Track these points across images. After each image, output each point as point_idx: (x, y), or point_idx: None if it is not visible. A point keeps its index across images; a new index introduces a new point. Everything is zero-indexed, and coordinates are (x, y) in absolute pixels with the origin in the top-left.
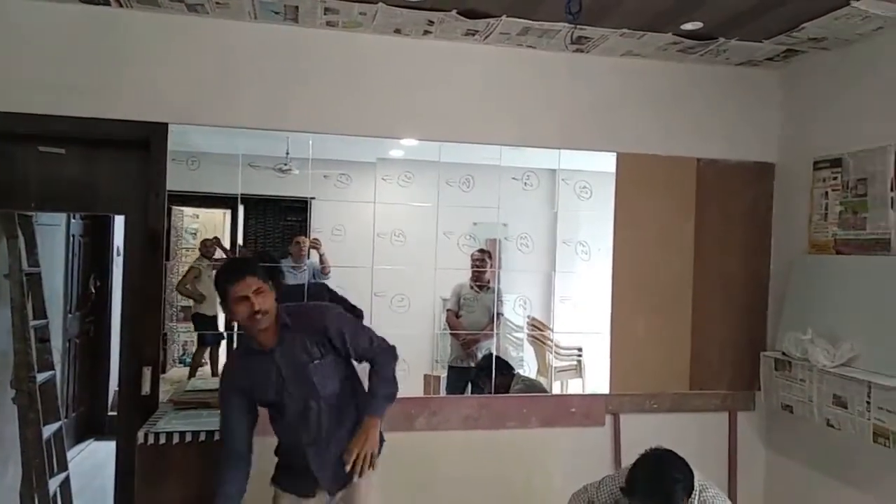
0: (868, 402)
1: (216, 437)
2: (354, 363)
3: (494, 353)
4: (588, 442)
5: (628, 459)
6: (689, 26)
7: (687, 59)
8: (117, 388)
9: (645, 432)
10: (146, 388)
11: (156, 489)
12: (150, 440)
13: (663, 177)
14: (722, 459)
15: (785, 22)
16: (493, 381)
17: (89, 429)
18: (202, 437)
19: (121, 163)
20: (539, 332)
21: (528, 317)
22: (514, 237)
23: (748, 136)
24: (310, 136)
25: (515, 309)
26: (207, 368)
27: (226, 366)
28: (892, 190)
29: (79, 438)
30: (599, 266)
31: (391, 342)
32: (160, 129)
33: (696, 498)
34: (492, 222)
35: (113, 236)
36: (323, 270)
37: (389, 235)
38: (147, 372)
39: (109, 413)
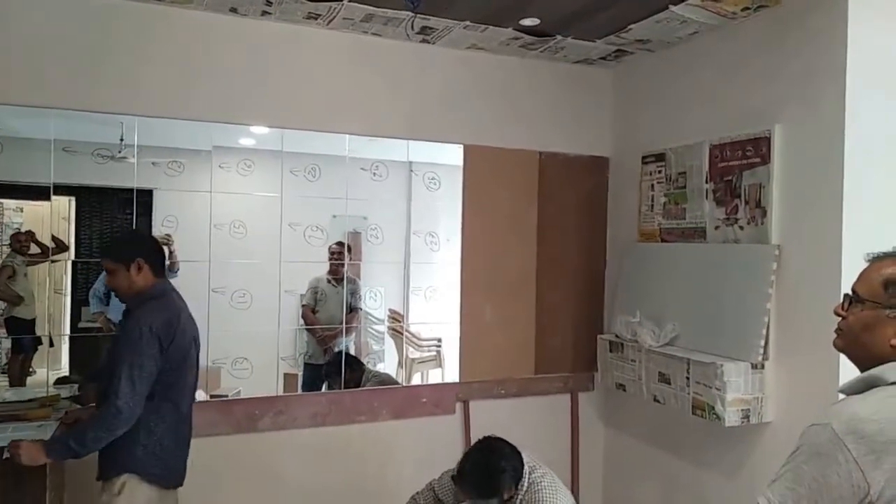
0: (687, 378)
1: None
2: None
3: (344, 350)
4: (439, 430)
5: None
6: (527, 22)
7: (528, 55)
8: None
9: (494, 417)
10: None
11: None
12: None
13: (508, 169)
14: (565, 438)
15: (613, 23)
16: (343, 377)
17: None
18: (5, 454)
19: None
20: (398, 325)
21: (389, 310)
22: (369, 229)
23: (585, 131)
24: (135, 119)
25: (367, 301)
26: (40, 377)
27: None
28: (707, 182)
29: None
30: (449, 256)
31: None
32: None
33: (526, 479)
34: (352, 215)
35: None
36: (171, 267)
37: (228, 227)
38: None
39: None
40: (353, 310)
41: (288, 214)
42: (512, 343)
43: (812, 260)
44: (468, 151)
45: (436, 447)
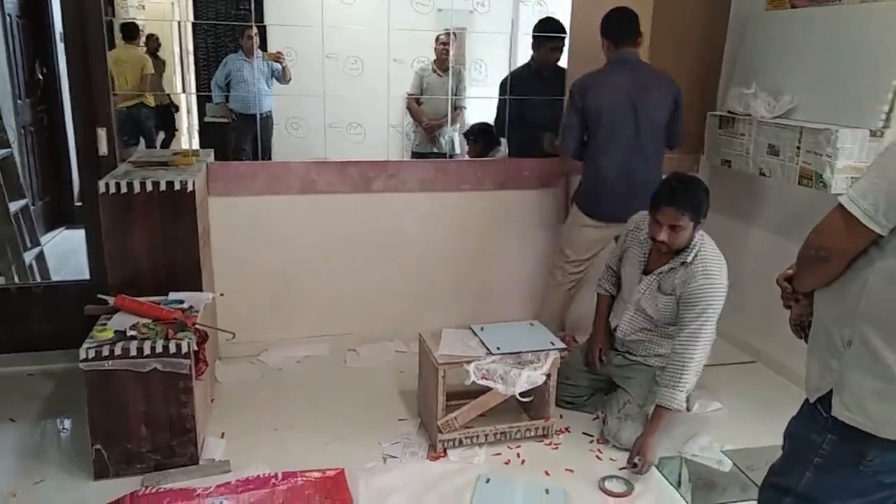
0: (798, 148)
1: (176, 187)
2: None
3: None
4: (540, 203)
5: None
6: None
7: None
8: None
9: None
10: (103, 149)
11: (122, 238)
12: (112, 189)
13: None
14: None
15: None
16: (479, 145)
17: (58, 218)
18: (163, 187)
19: None
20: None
21: None
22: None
23: None
24: None
25: (472, 73)
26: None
27: None
28: None
29: (49, 227)
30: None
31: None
32: None
33: (700, 237)
34: (458, 9)
35: (52, 19)
36: (283, 76)
37: None
38: (102, 133)
39: (76, 204)
40: (457, 108)
41: None
42: None
43: None
44: None
45: (536, 218)
